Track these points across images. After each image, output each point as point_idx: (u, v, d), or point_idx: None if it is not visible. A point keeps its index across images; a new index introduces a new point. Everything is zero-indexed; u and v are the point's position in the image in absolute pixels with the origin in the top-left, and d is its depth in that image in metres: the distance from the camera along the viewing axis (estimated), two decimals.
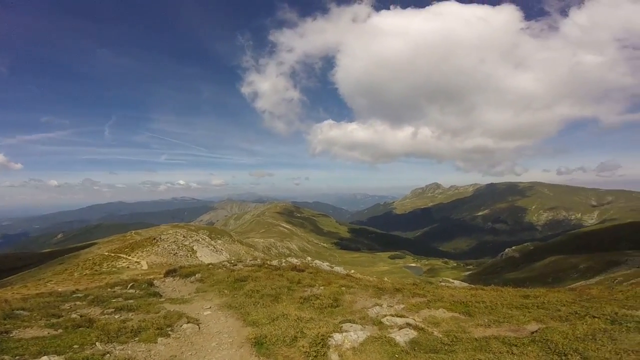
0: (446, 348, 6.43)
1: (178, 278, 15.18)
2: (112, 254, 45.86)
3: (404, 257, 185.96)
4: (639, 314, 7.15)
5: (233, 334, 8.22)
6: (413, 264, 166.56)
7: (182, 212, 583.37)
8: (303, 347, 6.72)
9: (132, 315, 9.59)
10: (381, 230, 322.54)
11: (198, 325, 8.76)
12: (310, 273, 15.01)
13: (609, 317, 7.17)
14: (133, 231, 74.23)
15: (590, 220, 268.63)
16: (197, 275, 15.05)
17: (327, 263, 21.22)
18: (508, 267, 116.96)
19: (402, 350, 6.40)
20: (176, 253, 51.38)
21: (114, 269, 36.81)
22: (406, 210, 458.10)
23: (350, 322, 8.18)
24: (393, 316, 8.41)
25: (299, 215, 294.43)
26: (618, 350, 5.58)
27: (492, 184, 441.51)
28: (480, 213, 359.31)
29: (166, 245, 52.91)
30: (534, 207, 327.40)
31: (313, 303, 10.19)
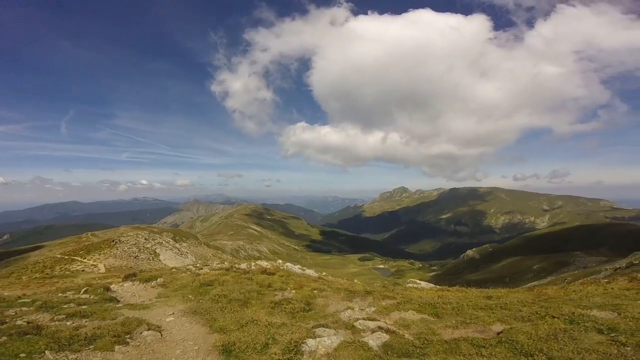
0: (418, 351, 6.45)
1: (138, 282, 14.23)
2: (66, 257, 42.52)
3: (372, 258, 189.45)
4: (593, 314, 7.58)
5: (199, 341, 7.75)
6: (381, 266, 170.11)
7: (144, 214, 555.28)
8: (275, 354, 6.45)
9: (86, 321, 8.76)
10: (351, 233, 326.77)
11: (160, 332, 8.18)
12: (281, 276, 14.67)
13: (567, 317, 7.52)
14: (89, 233, 69.37)
15: (542, 223, 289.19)
16: (159, 279, 14.20)
17: (299, 266, 20.92)
18: (469, 268, 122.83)
19: (376, 355, 6.33)
20: (137, 256, 48.68)
21: (67, 272, 34.12)
22: (375, 213, 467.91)
23: (323, 326, 8.00)
24: (365, 319, 8.35)
25: (269, 217, 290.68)
26: (580, 350, 5.82)
27: (454, 188, 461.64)
28: (444, 216, 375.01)
29: (126, 248, 49.98)
30: (492, 210, 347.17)
31: (284, 307, 9.90)
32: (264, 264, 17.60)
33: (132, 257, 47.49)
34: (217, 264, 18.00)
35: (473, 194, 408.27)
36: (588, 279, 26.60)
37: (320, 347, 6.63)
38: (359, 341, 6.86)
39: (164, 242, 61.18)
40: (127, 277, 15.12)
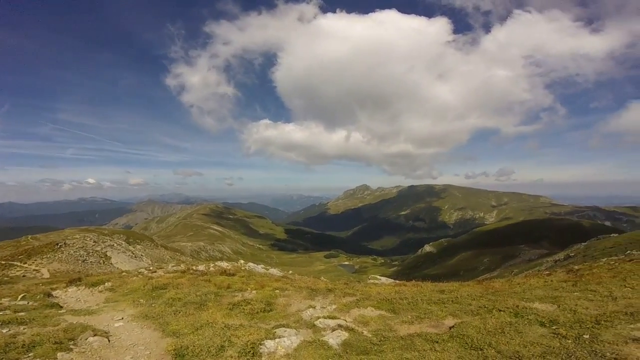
0: (375, 348, 6.53)
1: (84, 287, 13.32)
2: (3, 262, 38.12)
3: (338, 255, 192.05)
4: (535, 307, 8.15)
5: (150, 346, 7.37)
6: (346, 262, 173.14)
7: (92, 215, 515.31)
8: (231, 357, 6.21)
9: (23, 328, 8.03)
10: (317, 230, 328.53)
11: (108, 337, 7.72)
12: (242, 277, 14.23)
13: (512, 310, 8.00)
14: (29, 236, 62.80)
15: (491, 218, 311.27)
16: (106, 284, 13.36)
17: (262, 265, 20.48)
18: (427, 262, 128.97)
19: (335, 354, 6.31)
20: (85, 260, 44.99)
21: (5, 278, 30.63)
22: (339, 210, 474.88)
23: (284, 326, 7.83)
24: (326, 318, 8.32)
25: (231, 216, 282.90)
26: (525, 343, 6.15)
27: (412, 186, 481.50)
28: (403, 213, 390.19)
29: (72, 252, 45.96)
30: (446, 207, 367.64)
31: (243, 308, 9.58)
32: (224, 264, 16.97)
33: (80, 261, 43.92)
34: (172, 266, 17.05)
35: (429, 191, 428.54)
36: (531, 271, 28.96)
37: (279, 347, 6.45)
38: (319, 340, 6.79)
39: (115, 245, 57.12)
40: (71, 282, 14.12)
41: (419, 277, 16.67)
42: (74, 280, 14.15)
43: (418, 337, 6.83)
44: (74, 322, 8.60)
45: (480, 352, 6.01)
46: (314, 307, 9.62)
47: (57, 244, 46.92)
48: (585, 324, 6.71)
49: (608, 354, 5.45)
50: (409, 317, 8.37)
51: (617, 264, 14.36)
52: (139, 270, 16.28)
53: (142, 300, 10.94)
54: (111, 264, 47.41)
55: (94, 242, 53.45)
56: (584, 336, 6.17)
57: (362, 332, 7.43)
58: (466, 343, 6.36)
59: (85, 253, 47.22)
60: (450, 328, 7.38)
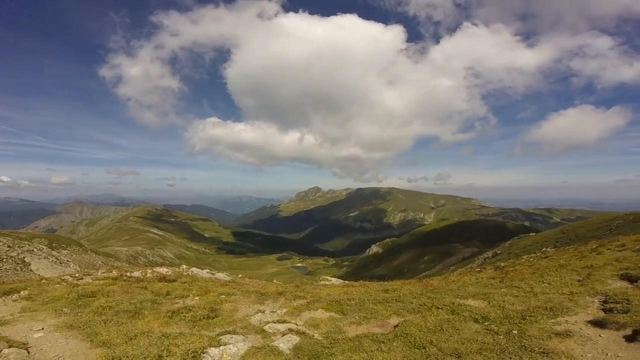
0: (326, 351, 6.49)
1: None
2: None
3: (290, 257, 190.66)
4: (469, 303, 8.73)
5: (78, 357, 6.67)
6: (299, 264, 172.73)
7: (6, 217, 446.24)
8: None
9: None
10: (268, 233, 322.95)
11: (27, 349, 6.82)
12: (184, 283, 13.29)
13: (449, 308, 8.48)
14: None
15: (430, 219, 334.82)
16: (22, 292, 11.63)
17: (207, 270, 19.42)
18: (374, 262, 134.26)
19: (286, 359, 6.10)
20: None
21: None
22: (292, 212, 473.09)
23: (230, 333, 7.41)
24: (275, 322, 8.06)
25: (173, 219, 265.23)
26: (463, 340, 6.49)
27: (361, 188, 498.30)
28: (352, 214, 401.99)
29: None
30: (391, 208, 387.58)
31: (184, 316, 8.92)
32: (164, 270, 15.72)
33: None
34: (103, 272, 15.35)
35: (376, 193, 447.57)
36: (464, 268, 31.56)
37: (224, 355, 6.07)
38: (269, 346, 6.53)
39: (35, 250, 50.18)
40: None
41: (367, 277, 17.23)
42: None
43: (366, 338, 6.93)
44: None
45: (423, 350, 6.22)
46: (263, 312, 9.31)
47: None
48: (513, 320, 7.25)
49: (536, 348, 5.88)
50: (357, 317, 8.49)
51: (535, 260, 16.18)
52: (63, 277, 14.39)
53: (66, 309, 9.70)
54: (31, 270, 41.80)
55: (8, 247, 46.45)
56: (513, 332, 6.63)
57: (313, 336, 7.34)
58: (410, 342, 6.57)
59: None
60: (394, 327, 7.61)
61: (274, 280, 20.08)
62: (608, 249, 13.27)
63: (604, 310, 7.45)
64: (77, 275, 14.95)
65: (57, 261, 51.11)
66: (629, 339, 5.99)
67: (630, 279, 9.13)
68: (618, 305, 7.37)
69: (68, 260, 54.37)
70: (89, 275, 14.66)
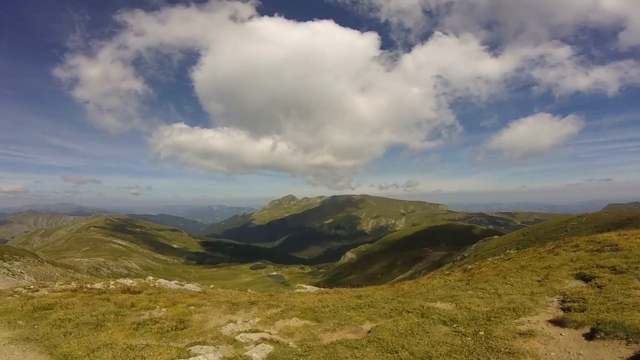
0: (301, 359, 6.42)
1: None
2: None
3: (265, 266, 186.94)
4: (438, 306, 8.96)
5: None
6: (274, 273, 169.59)
7: None
8: None
9: None
10: (240, 242, 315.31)
11: None
12: (150, 294, 12.65)
13: (419, 311, 8.65)
14: None
15: (400, 225, 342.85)
16: None
17: (176, 281, 18.64)
18: (349, 268, 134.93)
19: None
20: None
21: None
22: (265, 221, 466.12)
23: (200, 344, 7.15)
24: (248, 332, 7.88)
25: (139, 229, 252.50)
26: (433, 343, 6.64)
27: (334, 196, 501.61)
28: (326, 222, 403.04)
29: None
30: (364, 215, 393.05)
31: (151, 328, 8.49)
32: (128, 282, 14.89)
33: None
34: (61, 284, 14.31)
35: (349, 201, 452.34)
36: (434, 272, 32.44)
37: None
38: (241, 356, 6.37)
39: None
40: None
41: (342, 284, 17.30)
42: None
43: (340, 345, 6.94)
44: None
45: (395, 354, 6.30)
46: (235, 322, 9.05)
47: None
48: (479, 321, 7.49)
49: (502, 348, 6.10)
50: (331, 324, 8.49)
51: (499, 262, 16.90)
52: (16, 290, 13.30)
53: (20, 322, 9.10)
54: None
55: None
56: (480, 333, 6.85)
57: (288, 344, 7.24)
58: (382, 347, 6.63)
59: None
60: (368, 332, 7.66)
61: (248, 290, 19.61)
62: (564, 250, 14.13)
63: (563, 309, 7.82)
64: (32, 287, 13.87)
65: (9, 273, 47.01)
66: (588, 337, 6.27)
67: (585, 278, 9.71)
68: (575, 304, 7.77)
69: (22, 272, 50.18)
70: (45, 287, 13.63)
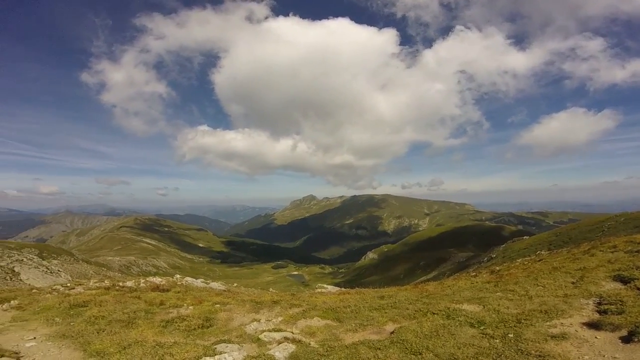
0: (322, 359, 6.44)
1: None
2: None
3: (286, 266, 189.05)
4: (464, 308, 8.73)
5: None
6: (295, 272, 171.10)
7: None
8: None
9: None
10: (263, 242, 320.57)
11: (18, 358, 6.93)
12: (178, 292, 13.12)
13: (444, 313, 8.46)
14: None
15: (424, 225, 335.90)
16: (12, 302, 11.64)
17: (202, 279, 19.21)
18: (371, 269, 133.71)
19: None
20: None
21: None
22: (286, 221, 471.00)
23: (225, 342, 7.32)
24: (271, 331, 7.99)
25: (167, 229, 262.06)
26: (459, 345, 6.48)
27: (355, 196, 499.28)
28: (347, 222, 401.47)
29: None
30: (385, 215, 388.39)
31: (179, 325, 8.80)
32: (157, 280, 15.51)
33: None
34: (95, 282, 15.11)
35: (370, 201, 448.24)
36: (459, 273, 31.55)
37: None
38: (264, 354, 6.47)
39: (25, 260, 49.39)
40: None
41: (363, 284, 17.18)
42: None
43: (362, 345, 6.89)
44: None
45: (419, 356, 6.19)
46: (259, 321, 9.21)
47: None
48: (509, 323, 7.25)
49: (532, 351, 5.89)
50: (353, 325, 8.45)
51: (529, 264, 16.24)
52: (54, 287, 14.19)
53: (57, 319, 9.65)
54: (20, 280, 41.30)
55: None
56: (509, 335, 6.63)
57: (309, 344, 7.27)
58: (406, 348, 6.53)
59: None
60: (391, 333, 7.57)
61: (270, 289, 19.93)
62: (600, 251, 13.38)
63: (599, 312, 7.48)
64: (68, 285, 14.73)
65: (48, 271, 50.29)
66: (625, 340, 5.99)
67: (623, 280, 9.18)
68: (612, 306, 7.39)
69: (59, 270, 53.51)
70: (80, 285, 14.43)
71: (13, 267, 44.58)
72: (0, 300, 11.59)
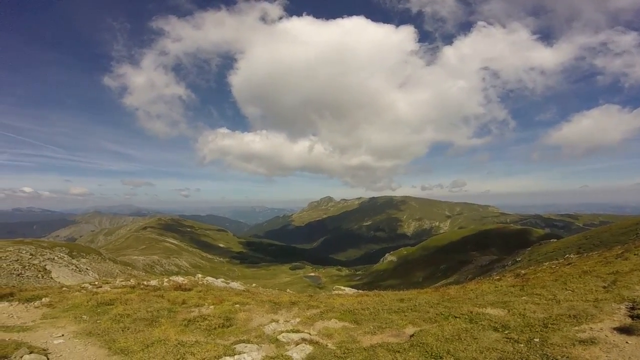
0: None
1: (17, 303, 12.07)
2: None
3: (303, 267, 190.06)
4: (488, 312, 8.49)
5: None
6: (312, 274, 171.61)
7: (29, 226, 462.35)
8: None
9: None
10: (281, 243, 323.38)
11: (47, 355, 7.10)
12: (199, 291, 13.44)
13: (467, 317, 8.26)
14: None
15: (445, 227, 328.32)
16: (44, 299, 12.22)
17: (222, 279, 19.60)
18: (389, 271, 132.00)
19: None
20: (21, 274, 40.86)
21: None
22: (304, 222, 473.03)
23: (244, 342, 7.43)
24: (289, 332, 8.06)
25: (189, 229, 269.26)
26: (482, 349, 6.30)
27: (373, 197, 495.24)
28: (365, 224, 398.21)
29: (5, 265, 41.63)
30: (405, 217, 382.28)
31: (200, 324, 9.01)
32: (180, 279, 15.96)
33: (15, 275, 39.99)
34: (121, 281, 15.72)
35: (389, 202, 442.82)
36: (483, 277, 30.62)
37: None
38: (282, 355, 6.53)
39: (56, 258, 51.98)
40: (2, 297, 12.69)
41: (381, 286, 16.99)
42: (6, 295, 12.75)
43: (380, 348, 6.82)
44: (6, 339, 7.72)
45: (439, 359, 6.08)
46: (277, 321, 9.30)
47: None
48: (535, 328, 7.01)
49: (559, 356, 5.67)
50: (371, 327, 8.38)
51: (557, 267, 15.59)
52: (83, 285, 14.86)
53: (85, 317, 10.07)
54: (52, 278, 43.46)
55: (31, 255, 48.36)
56: (535, 340, 6.41)
57: (327, 345, 7.28)
58: (426, 351, 6.42)
59: (20, 267, 42.78)
60: (410, 337, 7.46)
61: (287, 290, 20.05)
62: (634, 254, 12.69)
63: (631, 316, 7.14)
64: (96, 283, 15.37)
65: (77, 269, 52.68)
66: None
67: None
68: None
69: (87, 269, 55.93)
70: (107, 283, 15.04)
71: (45, 265, 46.96)
72: (33, 298, 12.23)
